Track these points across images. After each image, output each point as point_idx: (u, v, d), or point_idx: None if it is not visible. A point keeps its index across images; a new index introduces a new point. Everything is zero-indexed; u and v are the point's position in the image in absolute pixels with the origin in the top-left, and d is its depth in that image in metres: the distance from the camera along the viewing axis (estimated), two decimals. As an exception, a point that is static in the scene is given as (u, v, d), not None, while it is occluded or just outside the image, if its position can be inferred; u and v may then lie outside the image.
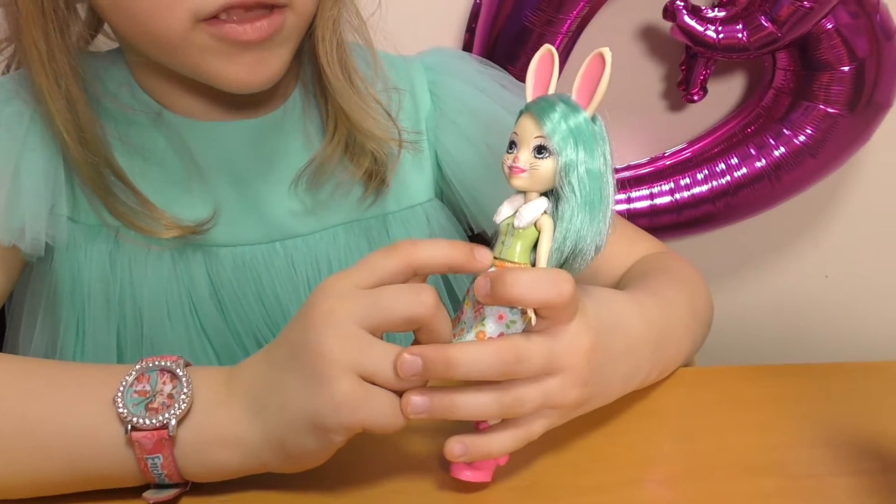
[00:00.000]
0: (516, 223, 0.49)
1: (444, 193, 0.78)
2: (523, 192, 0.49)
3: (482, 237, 0.78)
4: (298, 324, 0.48)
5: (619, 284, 0.71)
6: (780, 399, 0.62)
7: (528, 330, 0.49)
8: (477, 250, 0.48)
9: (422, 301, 0.46)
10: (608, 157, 0.48)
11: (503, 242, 0.49)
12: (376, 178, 0.71)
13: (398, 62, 0.77)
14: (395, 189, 0.73)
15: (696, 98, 1.08)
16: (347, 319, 0.46)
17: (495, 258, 0.49)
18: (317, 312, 0.47)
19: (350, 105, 0.68)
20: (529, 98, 0.51)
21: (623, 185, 1.09)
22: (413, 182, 0.75)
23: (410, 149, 0.73)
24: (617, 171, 1.08)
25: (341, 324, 0.46)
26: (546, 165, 0.48)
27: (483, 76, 0.78)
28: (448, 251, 0.48)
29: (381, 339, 0.47)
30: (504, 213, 0.50)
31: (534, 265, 0.49)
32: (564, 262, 0.49)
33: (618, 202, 1.08)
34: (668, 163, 1.10)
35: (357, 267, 0.48)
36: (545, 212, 0.49)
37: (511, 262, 0.49)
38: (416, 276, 0.49)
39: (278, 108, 0.70)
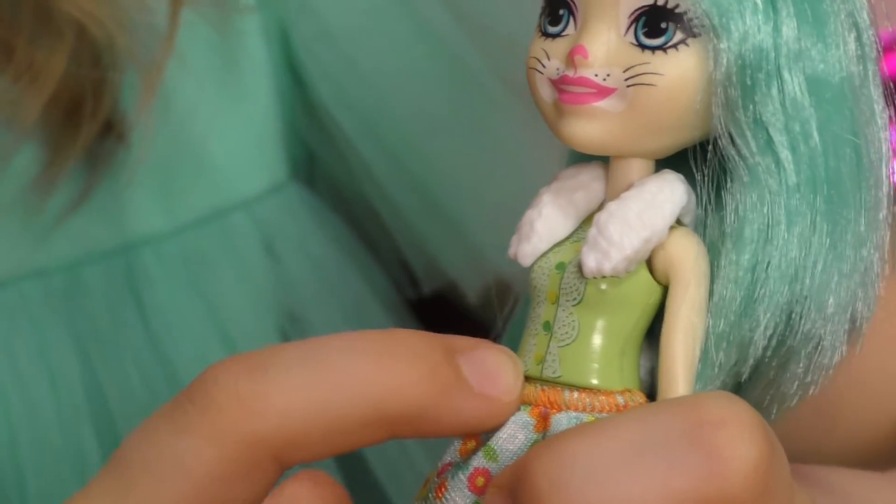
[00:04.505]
0: (589, 265, 0.20)
1: (320, 165, 0.38)
2: (594, 162, 0.21)
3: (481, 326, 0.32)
4: None
5: None
6: None
7: None
8: (467, 356, 0.19)
9: None
10: (871, 36, 0.20)
11: (546, 326, 0.20)
12: (94, 121, 0.32)
13: None
14: (158, 165, 0.34)
15: None
16: None
17: (529, 378, 0.20)
18: None
19: None
20: None
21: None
22: (216, 134, 0.36)
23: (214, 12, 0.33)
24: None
25: None
26: (678, 71, 0.19)
27: None
28: (363, 378, 0.18)
29: None
30: (544, 234, 0.21)
31: (651, 396, 0.20)
32: (755, 374, 0.20)
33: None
34: None
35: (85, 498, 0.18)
36: (680, 221, 0.20)
37: (578, 386, 0.20)
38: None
39: None
